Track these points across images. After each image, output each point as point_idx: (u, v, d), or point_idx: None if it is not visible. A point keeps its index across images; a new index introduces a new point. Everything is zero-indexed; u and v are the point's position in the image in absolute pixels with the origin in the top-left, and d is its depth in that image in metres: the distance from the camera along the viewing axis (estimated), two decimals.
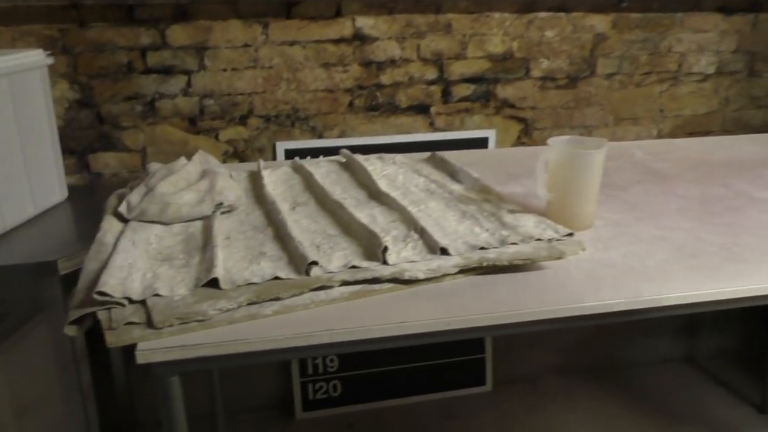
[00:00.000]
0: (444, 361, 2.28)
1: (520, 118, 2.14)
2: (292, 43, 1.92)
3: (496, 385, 2.36)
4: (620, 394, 2.37)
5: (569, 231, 1.12)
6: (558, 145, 1.18)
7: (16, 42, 1.78)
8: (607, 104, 2.17)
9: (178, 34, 1.85)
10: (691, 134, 2.27)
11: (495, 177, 1.50)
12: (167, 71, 1.88)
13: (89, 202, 1.73)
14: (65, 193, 1.71)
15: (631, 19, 2.10)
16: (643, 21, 2.11)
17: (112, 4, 1.80)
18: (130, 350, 0.84)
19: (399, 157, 1.50)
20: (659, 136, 2.25)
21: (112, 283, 0.91)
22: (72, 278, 1.51)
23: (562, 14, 2.05)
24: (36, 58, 1.58)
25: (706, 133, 2.29)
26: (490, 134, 2.12)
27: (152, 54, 1.86)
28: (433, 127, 2.09)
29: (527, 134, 2.15)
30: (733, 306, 1.04)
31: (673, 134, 2.26)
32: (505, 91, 2.10)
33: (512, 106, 2.12)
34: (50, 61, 1.61)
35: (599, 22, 2.08)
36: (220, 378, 1.99)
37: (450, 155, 1.55)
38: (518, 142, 2.15)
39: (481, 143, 2.11)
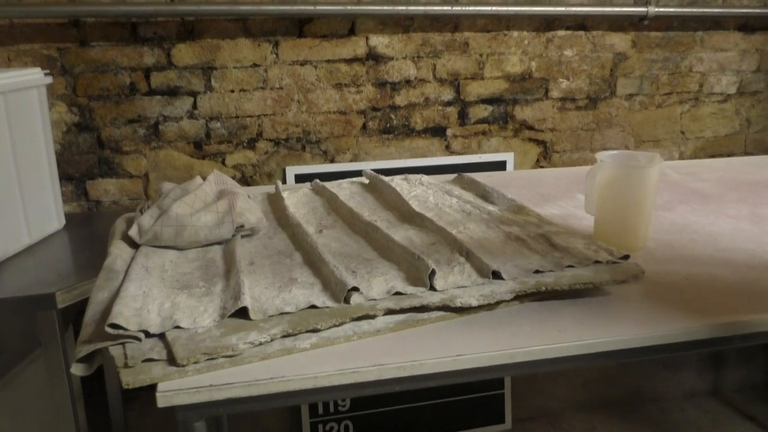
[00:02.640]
0: (461, 398, 2.15)
1: (539, 141, 2.05)
2: (303, 63, 1.84)
3: (515, 423, 2.23)
4: (645, 431, 2.24)
5: (625, 253, 1.02)
6: (609, 160, 1.09)
7: (12, 62, 1.68)
8: (628, 126, 2.10)
9: (184, 53, 1.76)
10: (713, 156, 2.20)
11: (526, 199, 1.40)
12: (172, 92, 1.78)
13: (88, 231, 1.62)
14: (63, 222, 1.59)
15: (652, 38, 2.04)
16: (663, 40, 2.05)
17: (115, 22, 1.70)
18: (129, 390, 0.72)
19: (426, 178, 1.41)
20: (681, 158, 2.17)
21: (126, 314, 0.80)
22: (71, 312, 1.39)
23: (581, 33, 1.98)
24: (34, 76, 1.48)
25: (729, 155, 2.21)
26: (509, 157, 2.03)
27: (156, 74, 1.76)
28: (449, 150, 2.00)
29: (546, 157, 2.07)
30: None
31: (694, 156, 2.19)
32: (523, 113, 2.02)
33: (531, 128, 2.03)
34: (49, 80, 1.51)
35: (619, 41, 2.01)
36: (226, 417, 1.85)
37: (476, 176, 1.46)
38: (537, 165, 2.06)
39: (500, 166, 2.02)
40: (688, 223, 1.26)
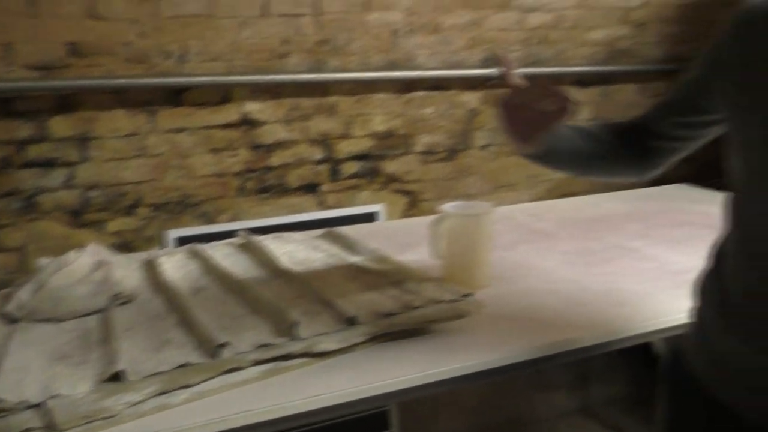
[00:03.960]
0: None
1: (407, 191, 2.23)
2: (180, 130, 1.93)
3: None
4: None
5: (468, 291, 1.18)
6: (449, 211, 1.25)
7: None
8: (485, 173, 2.32)
9: (60, 125, 1.81)
10: (563, 196, 2.46)
11: (389, 248, 1.55)
12: (48, 164, 1.82)
13: None
14: None
15: (497, 95, 2.28)
16: None
17: None
18: None
19: (296, 235, 1.53)
20: (534, 199, 2.42)
21: (4, 387, 0.86)
22: None
23: (437, 93, 2.20)
24: None
25: (575, 194, 2.48)
26: (379, 208, 2.19)
27: (32, 147, 1.80)
28: (323, 204, 2.13)
29: (414, 206, 2.24)
30: (635, 342, 1.13)
31: (546, 197, 2.44)
32: (390, 167, 2.19)
33: (398, 180, 2.21)
34: None
35: (471, 98, 2.25)
36: None
37: (343, 230, 1.59)
38: (406, 214, 2.24)
39: (370, 218, 2.18)
40: (526, 261, 1.45)
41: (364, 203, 2.18)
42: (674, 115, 1.02)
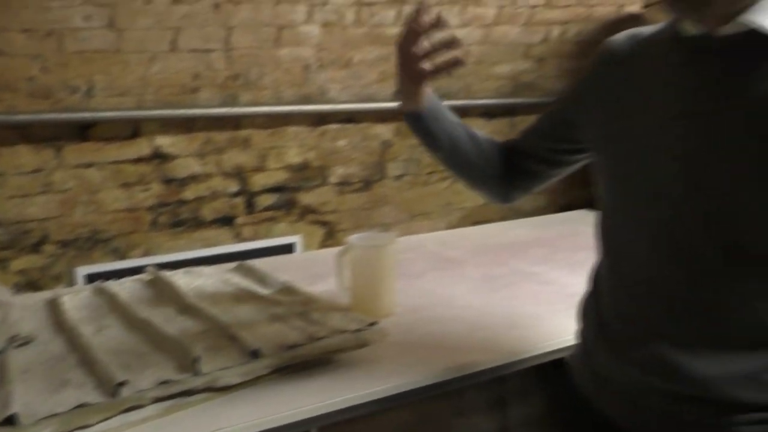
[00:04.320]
0: None
1: (323, 222, 2.26)
2: (88, 165, 1.90)
3: None
4: None
5: (373, 320, 1.21)
6: (353, 243, 1.29)
7: None
8: (400, 203, 2.38)
9: None
10: (476, 223, 2.54)
11: (302, 279, 1.57)
12: None
13: None
14: None
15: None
16: None
17: None
18: None
19: (207, 269, 1.53)
20: (449, 227, 2.49)
21: None
22: None
23: (351, 125, 2.25)
24: None
25: (489, 221, 2.57)
26: (296, 240, 2.21)
27: None
28: (239, 237, 2.13)
29: (331, 236, 2.27)
30: (530, 364, 1.18)
31: (460, 224, 2.52)
32: (306, 198, 2.22)
33: (314, 211, 2.24)
34: None
35: (384, 130, 2.31)
36: None
37: (257, 263, 1.60)
38: (324, 245, 2.26)
39: (288, 249, 2.19)
40: (434, 288, 1.49)
41: (281, 235, 2.19)
42: (545, 141, 1.07)
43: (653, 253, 0.86)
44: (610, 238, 0.94)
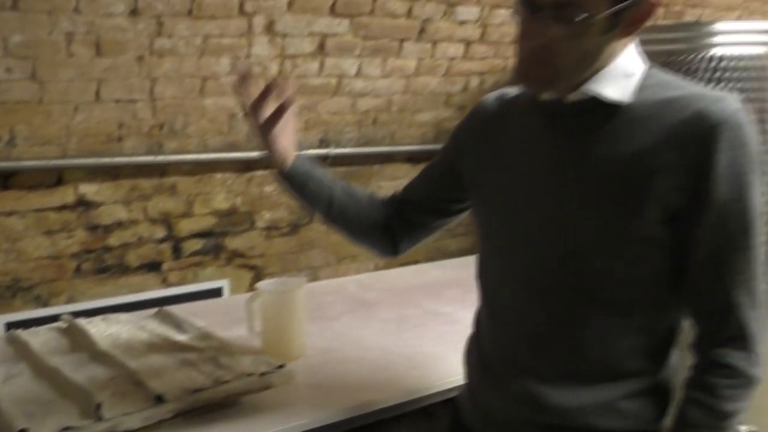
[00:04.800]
0: None
1: (251, 266, 2.30)
2: (9, 214, 1.90)
3: None
4: None
5: (281, 363, 1.26)
6: (263, 288, 1.34)
7: None
8: (327, 246, 2.44)
9: None
10: (403, 264, 2.61)
11: (223, 323, 1.60)
12: None
13: None
14: None
15: (338, 172, 2.43)
16: (348, 173, 2.45)
17: None
18: None
19: (124, 316, 1.55)
20: (377, 269, 2.55)
21: None
22: None
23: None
24: None
25: (415, 262, 2.65)
26: (224, 284, 2.24)
27: None
28: (166, 282, 2.15)
29: (259, 280, 2.31)
30: (428, 402, 1.24)
31: (388, 266, 2.58)
32: (234, 243, 2.26)
33: (242, 255, 2.28)
34: None
35: None
36: None
37: (182, 308, 1.64)
38: (252, 288, 2.29)
39: (216, 293, 2.22)
40: (347, 330, 1.55)
41: (209, 279, 2.22)
42: (429, 192, 1.13)
43: (520, 296, 0.94)
44: (485, 282, 1.03)
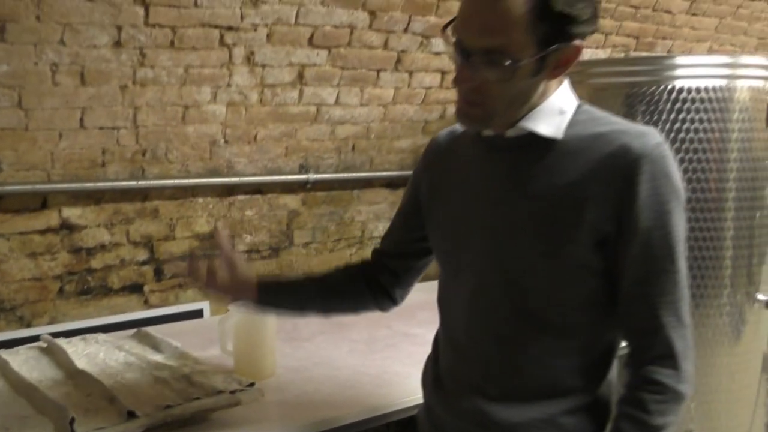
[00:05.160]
0: None
1: None
2: None
3: None
4: None
5: (251, 381, 1.32)
6: (235, 310, 1.40)
7: None
8: (307, 270, 2.50)
9: None
10: None
11: (202, 344, 1.66)
12: None
13: None
14: None
15: (318, 197, 2.50)
16: (327, 198, 2.53)
17: None
18: None
19: (102, 336, 1.61)
20: None
21: None
22: None
23: (258, 196, 2.38)
24: None
25: None
26: (205, 305, 2.29)
27: None
28: (147, 304, 2.20)
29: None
30: (393, 418, 1.30)
31: None
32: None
33: None
34: None
35: (291, 200, 2.44)
36: None
37: (163, 329, 1.70)
38: None
39: (197, 314, 2.27)
40: (319, 350, 1.61)
41: (190, 301, 2.27)
42: (403, 236, 1.18)
43: (469, 320, 1.01)
44: (441, 306, 1.09)
